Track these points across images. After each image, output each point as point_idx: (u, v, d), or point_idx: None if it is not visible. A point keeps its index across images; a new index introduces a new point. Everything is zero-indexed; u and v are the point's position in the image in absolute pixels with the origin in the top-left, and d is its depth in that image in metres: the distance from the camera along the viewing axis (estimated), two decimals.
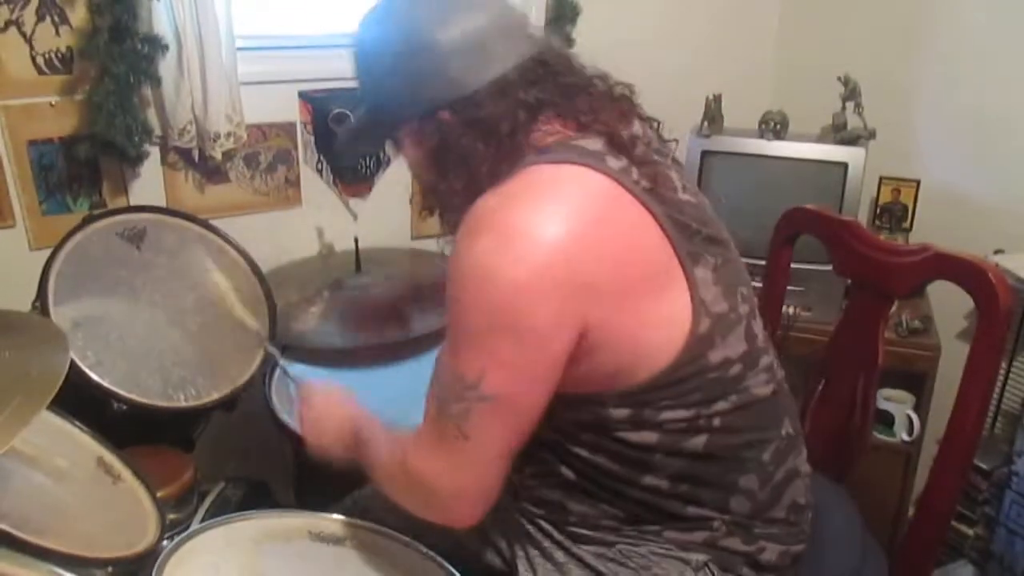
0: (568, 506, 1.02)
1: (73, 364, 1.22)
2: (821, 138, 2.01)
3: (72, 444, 1.21)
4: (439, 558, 1.06)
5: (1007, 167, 1.91)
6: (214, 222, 1.63)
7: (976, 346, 1.13)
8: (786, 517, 1.03)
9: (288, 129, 1.90)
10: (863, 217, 2.04)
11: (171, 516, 1.32)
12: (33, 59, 1.59)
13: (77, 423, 1.23)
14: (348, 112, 1.91)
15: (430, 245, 2.06)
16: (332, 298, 1.79)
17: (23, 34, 1.57)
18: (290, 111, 1.90)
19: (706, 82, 2.06)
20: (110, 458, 1.23)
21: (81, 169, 1.69)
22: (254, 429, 1.91)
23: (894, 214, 2.06)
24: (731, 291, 0.96)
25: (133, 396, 1.38)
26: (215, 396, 1.48)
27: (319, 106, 1.91)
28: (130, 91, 1.59)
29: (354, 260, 1.85)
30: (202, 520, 1.41)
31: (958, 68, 1.98)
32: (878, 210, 2.07)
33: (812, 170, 1.94)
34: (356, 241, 1.85)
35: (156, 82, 1.64)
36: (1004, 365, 1.83)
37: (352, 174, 2.00)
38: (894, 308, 1.41)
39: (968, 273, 1.13)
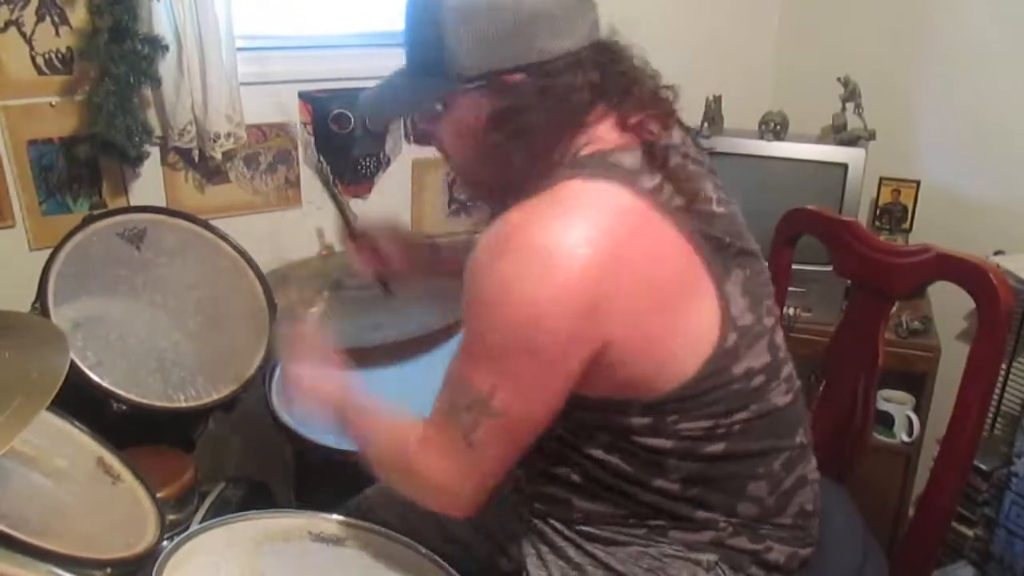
0: (574, 503, 1.01)
1: (73, 364, 1.22)
2: (821, 139, 2.01)
3: (72, 444, 1.21)
4: (439, 558, 1.06)
5: (1007, 167, 1.91)
6: (214, 222, 1.63)
7: (977, 347, 1.13)
8: (793, 523, 1.03)
9: (288, 129, 1.90)
10: (863, 218, 2.04)
11: (171, 516, 1.32)
12: (33, 59, 1.60)
13: (77, 423, 1.23)
14: (348, 112, 1.91)
15: None
16: (332, 298, 1.79)
17: (23, 34, 1.57)
18: (290, 111, 1.90)
19: (706, 83, 2.06)
20: (110, 458, 1.23)
21: (81, 169, 1.69)
22: (254, 429, 1.91)
23: (894, 215, 2.06)
24: (757, 303, 0.96)
25: (133, 396, 1.38)
26: (215, 396, 1.48)
27: (319, 106, 1.91)
28: (130, 91, 1.59)
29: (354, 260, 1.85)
30: (202, 520, 1.41)
31: (958, 69, 1.98)
32: (878, 211, 2.07)
33: (812, 171, 1.94)
34: None
35: (156, 82, 1.64)
36: (1004, 366, 1.83)
37: (352, 174, 2.00)
38: (894, 309, 1.41)
39: (969, 274, 1.13)
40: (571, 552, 1.02)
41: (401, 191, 2.06)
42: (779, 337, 1.01)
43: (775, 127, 1.99)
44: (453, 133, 0.97)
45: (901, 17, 2.09)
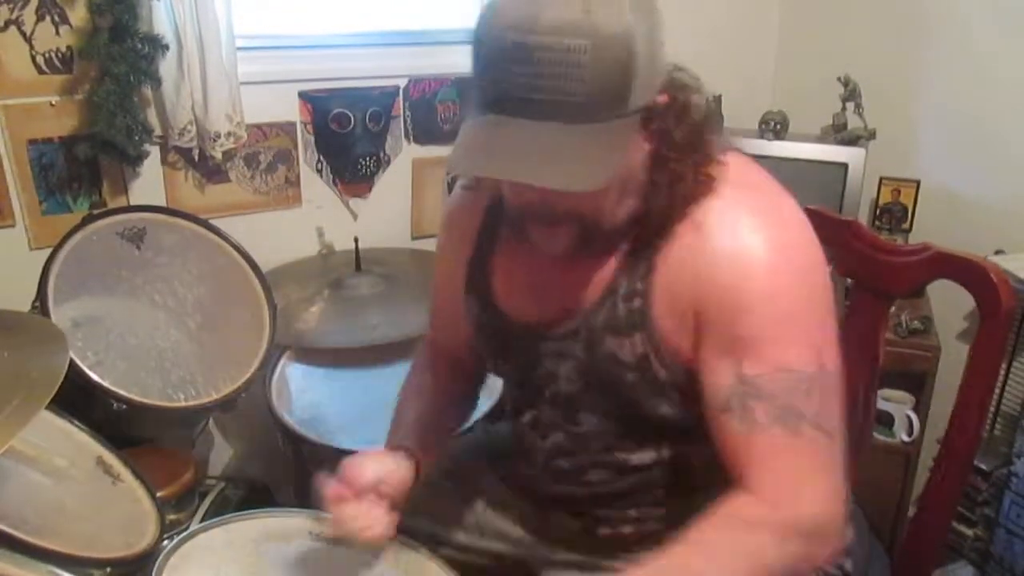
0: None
1: (73, 364, 1.22)
2: (821, 138, 2.01)
3: (72, 444, 1.21)
4: (439, 559, 1.06)
5: (1007, 167, 1.91)
6: (214, 222, 1.63)
7: (977, 346, 1.13)
8: None
9: (288, 129, 1.90)
10: (863, 217, 2.04)
11: (171, 516, 1.32)
12: (33, 59, 1.59)
13: (77, 422, 1.23)
14: (348, 112, 1.91)
15: (430, 245, 2.06)
16: (332, 298, 1.79)
17: (23, 34, 1.57)
18: (290, 111, 1.90)
19: (706, 82, 2.05)
20: (110, 458, 1.23)
21: (81, 169, 1.69)
22: (254, 429, 1.91)
23: (894, 214, 2.05)
24: None
25: (133, 396, 1.38)
26: (215, 396, 1.48)
27: (319, 106, 1.91)
28: (130, 91, 1.59)
29: (354, 260, 1.85)
30: (202, 520, 1.41)
31: (958, 69, 1.98)
32: (878, 210, 2.07)
33: (812, 170, 1.94)
34: (356, 241, 1.86)
35: (156, 82, 1.64)
36: (1004, 366, 1.83)
37: (352, 174, 2.00)
38: (894, 309, 1.40)
39: (970, 272, 1.13)
40: None
41: (401, 191, 2.06)
42: None
43: (775, 127, 1.99)
44: (617, 178, 0.82)
45: (901, 17, 2.09)
